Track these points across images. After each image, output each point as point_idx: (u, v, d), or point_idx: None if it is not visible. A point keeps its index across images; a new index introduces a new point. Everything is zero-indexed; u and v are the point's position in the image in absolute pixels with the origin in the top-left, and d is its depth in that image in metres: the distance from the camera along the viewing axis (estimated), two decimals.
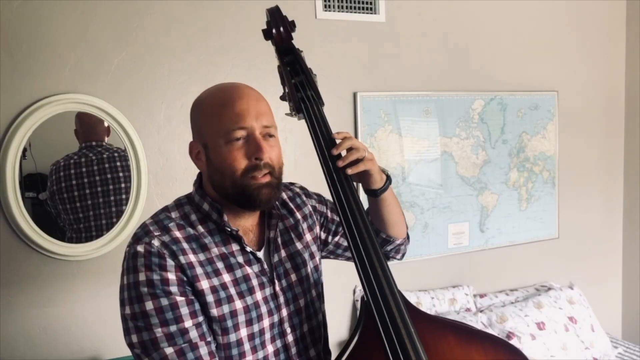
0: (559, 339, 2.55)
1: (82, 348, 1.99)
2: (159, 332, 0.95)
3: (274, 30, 1.22)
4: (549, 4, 2.85)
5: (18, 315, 1.91)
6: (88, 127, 1.99)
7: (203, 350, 0.97)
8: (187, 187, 1.16)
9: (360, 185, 1.20)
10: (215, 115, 1.03)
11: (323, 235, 1.27)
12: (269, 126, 1.05)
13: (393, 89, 2.49)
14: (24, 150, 1.86)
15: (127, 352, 2.00)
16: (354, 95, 2.41)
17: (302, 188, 1.29)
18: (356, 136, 2.41)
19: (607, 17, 3.05)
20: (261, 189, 1.03)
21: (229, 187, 1.03)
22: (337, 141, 1.12)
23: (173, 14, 2.07)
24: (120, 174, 2.02)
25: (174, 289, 0.96)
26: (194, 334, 0.97)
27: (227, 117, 1.02)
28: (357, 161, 1.10)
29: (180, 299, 0.97)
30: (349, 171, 1.09)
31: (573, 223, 3.01)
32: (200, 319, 0.99)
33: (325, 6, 2.34)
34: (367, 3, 2.42)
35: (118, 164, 2.02)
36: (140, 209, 2.02)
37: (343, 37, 2.38)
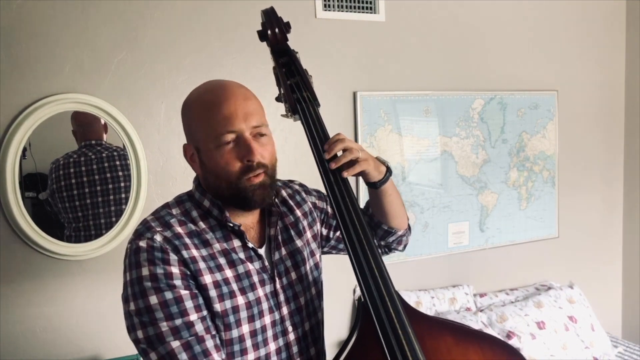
0: (559, 338, 2.55)
1: (82, 348, 1.99)
2: (164, 326, 0.95)
3: (269, 32, 1.22)
4: (549, 4, 2.85)
5: (18, 315, 1.91)
6: (85, 126, 1.99)
7: (209, 343, 0.97)
8: (187, 187, 1.16)
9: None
10: (204, 120, 1.02)
11: (324, 232, 1.28)
12: (258, 126, 1.04)
13: (393, 89, 2.49)
14: (24, 150, 1.87)
15: (127, 352, 2.00)
16: (354, 94, 2.41)
17: (301, 185, 1.30)
18: (356, 136, 2.41)
19: (607, 17, 3.05)
20: (255, 190, 1.03)
21: (225, 189, 1.03)
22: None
23: (173, 14, 2.07)
24: (120, 173, 2.02)
25: (177, 282, 0.97)
26: (199, 327, 0.97)
27: (215, 121, 1.01)
28: (352, 162, 1.10)
29: (184, 292, 0.97)
30: (345, 174, 1.09)
31: (573, 222, 3.01)
32: (205, 312, 0.99)
33: (325, 6, 2.33)
34: (367, 2, 2.42)
35: (117, 163, 2.02)
36: (140, 208, 2.02)
37: (343, 36, 2.38)
